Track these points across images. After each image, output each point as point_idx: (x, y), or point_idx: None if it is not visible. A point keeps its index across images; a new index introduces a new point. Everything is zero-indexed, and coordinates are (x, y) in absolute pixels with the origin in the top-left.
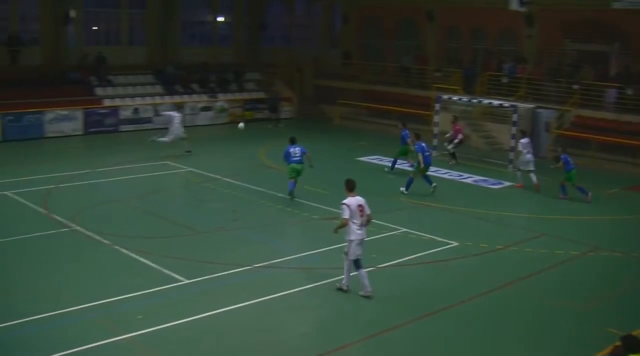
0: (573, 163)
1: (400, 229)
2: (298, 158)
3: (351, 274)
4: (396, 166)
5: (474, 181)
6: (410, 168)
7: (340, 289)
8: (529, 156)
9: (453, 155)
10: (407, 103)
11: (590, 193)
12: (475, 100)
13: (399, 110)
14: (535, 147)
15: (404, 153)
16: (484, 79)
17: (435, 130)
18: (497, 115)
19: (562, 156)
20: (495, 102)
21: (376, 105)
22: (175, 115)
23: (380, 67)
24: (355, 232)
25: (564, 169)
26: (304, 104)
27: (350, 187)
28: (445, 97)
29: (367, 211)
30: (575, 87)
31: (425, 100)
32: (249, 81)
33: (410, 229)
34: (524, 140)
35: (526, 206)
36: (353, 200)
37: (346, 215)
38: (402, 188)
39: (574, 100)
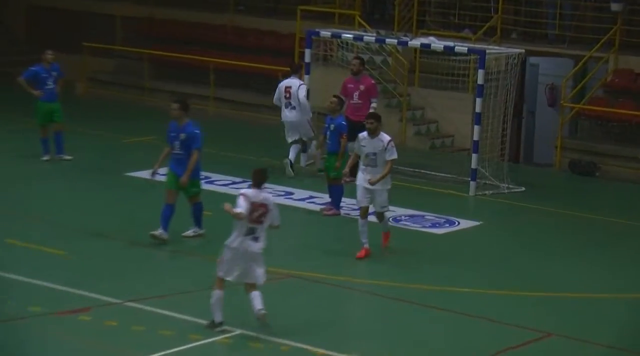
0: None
1: (233, 331)
2: None
3: None
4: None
5: (396, 219)
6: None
7: None
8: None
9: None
10: (240, 50)
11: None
12: (392, 39)
13: (223, 63)
14: (526, 139)
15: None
16: None
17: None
18: (443, 75)
19: (335, 121)
20: (438, 43)
21: (172, 53)
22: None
23: None
24: None
25: (328, 147)
26: (11, 52)
27: None
28: (324, 32)
29: None
30: (616, 8)
31: (283, 41)
32: None
33: (263, 333)
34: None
35: (505, 269)
36: None
37: None
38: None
39: (613, 36)
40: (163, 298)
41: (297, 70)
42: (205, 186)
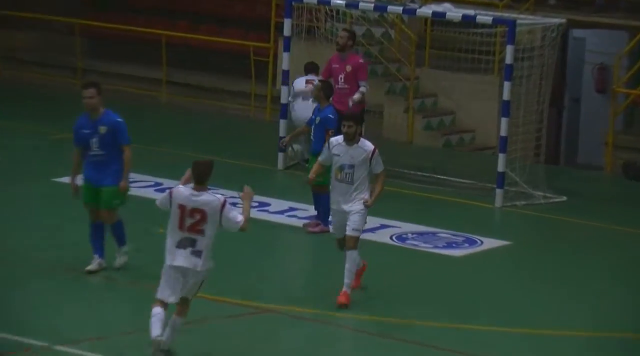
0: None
1: None
2: None
3: None
4: None
5: (402, 237)
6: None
7: None
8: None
9: None
10: (200, 20)
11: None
12: (395, 7)
13: (177, 37)
14: (568, 135)
15: None
16: None
17: (284, 91)
18: (461, 53)
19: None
20: (454, 12)
21: (112, 24)
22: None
23: None
24: None
25: (312, 145)
26: None
27: None
28: None
29: None
30: None
31: (255, 9)
32: None
33: None
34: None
35: (538, 303)
36: None
37: None
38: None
39: None
40: (100, 339)
41: (313, 69)
42: (154, 194)
